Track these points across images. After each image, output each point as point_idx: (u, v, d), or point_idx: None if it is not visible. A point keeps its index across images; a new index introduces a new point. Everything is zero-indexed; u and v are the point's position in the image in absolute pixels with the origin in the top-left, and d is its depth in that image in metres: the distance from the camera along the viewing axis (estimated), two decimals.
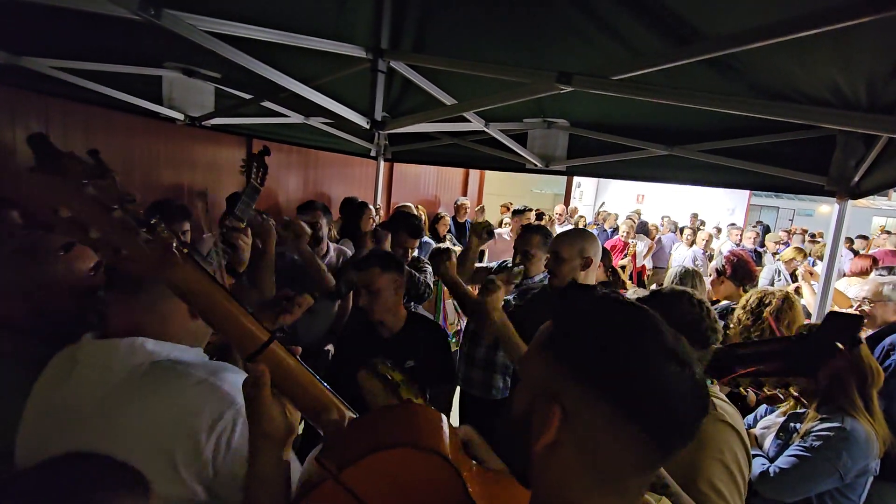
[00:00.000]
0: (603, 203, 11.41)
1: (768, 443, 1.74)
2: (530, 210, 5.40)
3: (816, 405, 1.66)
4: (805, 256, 5.13)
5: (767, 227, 12.16)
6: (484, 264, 2.98)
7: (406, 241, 2.71)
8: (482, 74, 1.70)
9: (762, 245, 7.56)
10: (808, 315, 2.68)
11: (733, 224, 9.54)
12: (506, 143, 2.78)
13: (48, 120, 3.04)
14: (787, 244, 7.13)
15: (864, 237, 8.76)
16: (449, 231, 5.45)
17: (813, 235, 9.03)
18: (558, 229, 5.27)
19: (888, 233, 8.28)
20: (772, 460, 1.65)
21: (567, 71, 1.48)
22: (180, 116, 2.73)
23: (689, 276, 2.79)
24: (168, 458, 0.81)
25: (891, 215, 15.38)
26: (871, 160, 1.87)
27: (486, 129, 2.57)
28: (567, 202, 10.62)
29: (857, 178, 2.01)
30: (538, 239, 2.37)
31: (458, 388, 2.52)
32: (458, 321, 3.77)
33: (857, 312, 2.42)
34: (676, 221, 8.88)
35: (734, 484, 1.14)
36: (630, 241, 6.03)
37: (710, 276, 2.91)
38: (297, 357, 0.76)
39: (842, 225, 2.11)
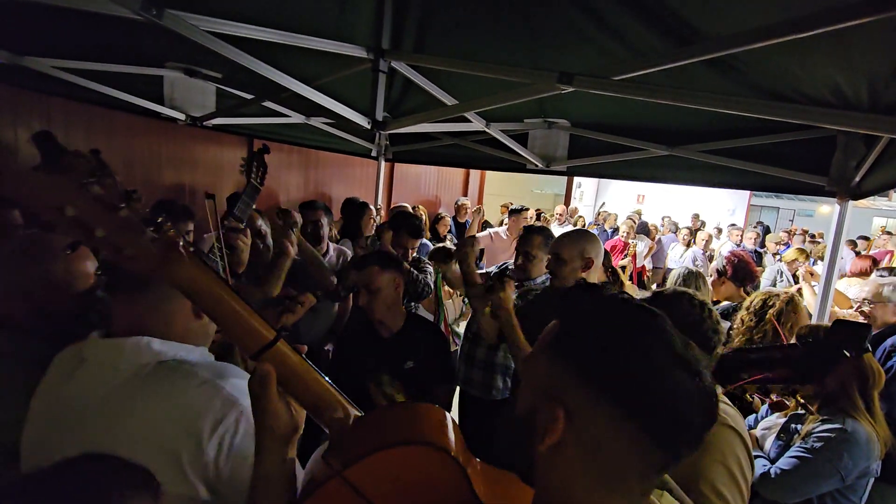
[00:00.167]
0: (603, 203, 11.41)
1: (769, 444, 1.73)
2: (527, 209, 5.39)
3: (818, 406, 1.66)
4: (807, 257, 5.13)
5: (768, 227, 12.12)
6: (483, 270, 2.96)
7: (407, 242, 2.71)
8: (483, 75, 1.70)
9: (762, 246, 7.55)
10: (809, 316, 2.68)
11: (734, 224, 9.51)
12: (506, 143, 2.78)
13: (50, 120, 3.05)
14: (787, 245, 7.13)
15: (865, 238, 8.75)
16: (449, 231, 5.44)
17: (813, 236, 9.01)
18: (557, 229, 5.27)
19: (889, 233, 8.26)
20: (773, 461, 1.64)
21: (568, 71, 1.48)
22: (182, 116, 2.73)
23: (692, 277, 2.79)
24: (174, 458, 0.81)
25: (891, 216, 15.38)
26: (872, 161, 1.87)
27: (487, 130, 2.57)
28: (567, 202, 10.62)
29: (857, 179, 2.01)
30: (539, 240, 2.36)
31: (458, 389, 2.52)
32: (458, 322, 3.76)
33: (858, 314, 2.42)
34: (677, 222, 8.87)
35: (737, 487, 1.13)
36: (630, 241, 6.04)
37: (711, 276, 2.91)
38: (303, 355, 0.76)
39: (842, 226, 2.11)
